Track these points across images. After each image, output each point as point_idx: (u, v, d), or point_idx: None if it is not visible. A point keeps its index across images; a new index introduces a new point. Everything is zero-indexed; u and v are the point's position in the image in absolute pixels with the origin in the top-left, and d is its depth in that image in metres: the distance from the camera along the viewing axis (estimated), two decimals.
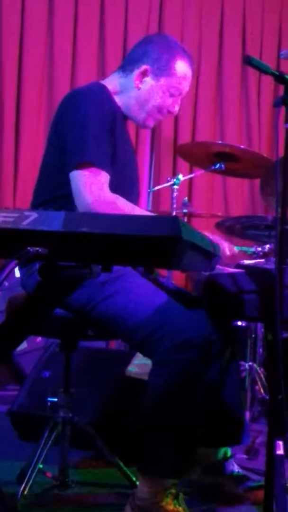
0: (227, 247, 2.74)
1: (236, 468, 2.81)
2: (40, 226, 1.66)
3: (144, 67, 2.72)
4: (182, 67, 2.75)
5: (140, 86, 2.74)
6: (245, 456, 3.32)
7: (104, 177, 2.52)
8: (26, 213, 1.68)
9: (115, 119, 2.65)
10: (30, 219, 1.67)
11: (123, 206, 2.51)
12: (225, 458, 2.78)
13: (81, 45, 5.51)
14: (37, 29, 5.40)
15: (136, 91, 2.74)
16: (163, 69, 2.73)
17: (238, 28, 5.92)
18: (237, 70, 5.90)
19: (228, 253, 2.74)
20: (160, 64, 2.72)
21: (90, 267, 1.79)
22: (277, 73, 2.16)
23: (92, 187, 2.47)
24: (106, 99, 2.68)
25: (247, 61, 2.15)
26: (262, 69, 2.17)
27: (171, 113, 2.84)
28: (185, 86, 2.80)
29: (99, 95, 2.65)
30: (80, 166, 2.50)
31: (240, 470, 2.82)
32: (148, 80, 2.74)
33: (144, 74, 2.73)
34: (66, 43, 5.47)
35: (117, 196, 2.52)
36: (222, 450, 2.79)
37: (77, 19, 5.51)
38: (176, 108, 2.81)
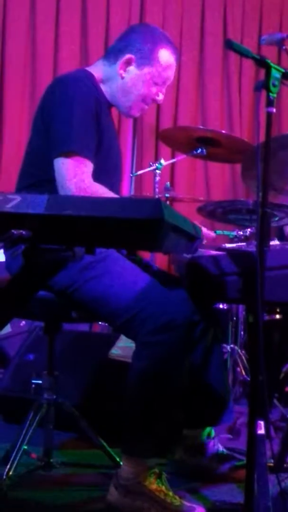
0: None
1: (220, 448, 2.85)
2: (24, 209, 1.68)
3: (127, 56, 2.73)
4: (165, 56, 2.77)
5: (124, 75, 2.75)
6: (228, 435, 3.36)
7: (88, 166, 2.54)
8: (10, 196, 1.70)
9: (100, 107, 2.66)
10: (14, 202, 1.68)
11: (106, 195, 2.53)
12: (209, 438, 2.82)
13: (64, 30, 5.49)
14: (19, 17, 5.37)
15: (121, 80, 2.75)
16: (146, 58, 2.74)
17: (219, 14, 5.92)
18: (219, 55, 5.91)
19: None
20: (143, 53, 2.74)
21: (73, 249, 1.80)
22: (258, 57, 2.17)
23: (76, 176, 2.49)
24: (92, 86, 2.69)
25: (229, 45, 2.16)
26: (243, 53, 2.18)
27: (155, 102, 2.85)
28: (169, 75, 2.81)
29: (85, 83, 2.66)
30: (65, 154, 2.52)
31: (225, 450, 2.86)
32: (132, 69, 2.75)
33: (128, 63, 2.74)
34: (48, 30, 5.45)
35: (100, 185, 2.54)
36: (206, 431, 2.83)
37: (59, 5, 5.49)
38: (160, 97, 2.82)
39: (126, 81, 2.75)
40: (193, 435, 2.80)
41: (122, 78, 2.75)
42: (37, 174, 2.66)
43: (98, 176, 2.56)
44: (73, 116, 2.54)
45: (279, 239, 4.31)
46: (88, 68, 2.83)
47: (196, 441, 2.81)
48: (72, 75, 2.74)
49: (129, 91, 2.76)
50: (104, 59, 2.82)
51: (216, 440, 2.85)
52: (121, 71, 2.75)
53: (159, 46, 2.76)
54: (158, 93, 2.80)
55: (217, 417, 2.80)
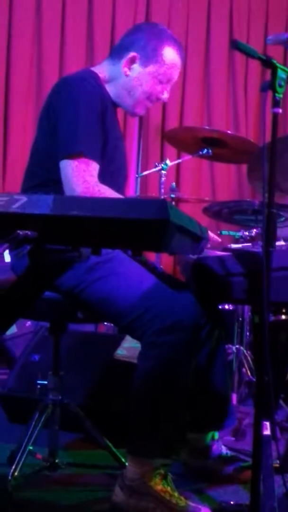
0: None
1: (224, 450, 2.85)
2: (30, 209, 1.68)
3: (132, 54, 2.73)
4: (170, 54, 2.76)
5: (128, 73, 2.74)
6: (232, 438, 3.35)
7: (94, 168, 2.53)
8: (16, 196, 1.70)
9: (105, 107, 2.65)
10: (20, 202, 1.68)
11: (112, 196, 2.52)
12: (213, 441, 2.82)
13: (70, 30, 5.50)
14: (25, 18, 5.38)
15: (125, 78, 2.75)
16: (150, 56, 2.73)
17: (225, 14, 5.92)
18: (224, 55, 5.91)
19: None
20: (147, 51, 2.73)
21: (79, 250, 1.80)
22: (264, 57, 2.17)
23: (82, 178, 2.49)
24: (97, 87, 2.68)
25: (234, 45, 2.16)
26: (249, 53, 2.18)
27: (159, 100, 2.84)
28: (174, 73, 2.80)
29: (90, 83, 2.66)
30: (71, 156, 2.51)
31: (229, 452, 2.86)
32: (136, 67, 2.74)
33: (132, 61, 2.74)
34: (54, 30, 5.45)
35: (107, 187, 2.53)
36: (209, 434, 2.82)
37: (65, 6, 5.49)
38: (165, 95, 2.82)
39: (131, 79, 2.75)
40: (196, 438, 2.80)
41: (127, 76, 2.75)
42: (43, 175, 2.66)
43: (103, 177, 2.56)
44: (78, 117, 2.54)
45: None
46: (93, 68, 2.83)
47: (200, 444, 2.81)
48: (77, 75, 2.74)
49: (134, 89, 2.76)
50: (109, 58, 2.82)
51: (219, 443, 2.84)
52: (125, 69, 2.74)
53: (164, 44, 2.75)
54: (163, 91, 2.80)
55: (220, 421, 2.80)
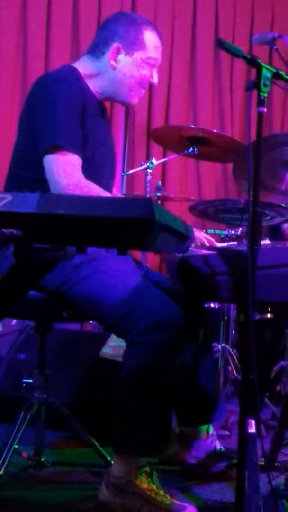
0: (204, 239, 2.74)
1: (218, 445, 2.86)
2: (14, 208, 1.67)
3: (115, 45, 2.70)
4: (150, 37, 2.75)
5: (115, 65, 2.72)
6: (224, 433, 3.37)
7: (76, 160, 2.52)
8: (1, 195, 1.69)
9: (85, 102, 2.63)
10: (5, 201, 1.68)
11: (96, 190, 2.52)
12: (207, 435, 2.83)
13: (55, 26, 5.47)
14: (10, 12, 5.36)
15: (113, 71, 2.72)
16: (133, 43, 2.71)
17: (211, 13, 5.92)
18: (210, 54, 5.91)
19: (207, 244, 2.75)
20: (129, 39, 2.71)
21: (64, 248, 1.80)
22: (248, 57, 2.18)
23: (65, 171, 2.48)
24: (77, 82, 2.66)
25: (220, 44, 2.17)
26: (234, 53, 2.19)
27: (151, 84, 2.84)
28: (158, 55, 2.79)
29: (69, 79, 2.64)
30: (51, 150, 2.50)
31: (222, 447, 2.86)
32: (122, 58, 2.72)
33: (116, 52, 2.71)
34: (40, 25, 5.43)
35: (91, 182, 2.52)
36: (203, 428, 2.84)
37: (51, 2, 5.47)
38: (155, 78, 2.81)
39: (119, 70, 2.72)
40: (190, 431, 2.82)
41: (114, 68, 2.72)
42: (25, 175, 2.63)
43: (85, 176, 2.54)
44: (56, 112, 2.52)
45: (272, 238, 4.33)
46: (74, 64, 2.79)
47: (193, 437, 2.82)
48: (56, 72, 2.72)
49: (124, 78, 2.73)
50: (89, 54, 2.78)
51: (214, 438, 2.85)
52: (112, 62, 2.71)
53: (142, 29, 2.73)
54: (152, 75, 2.78)
55: (208, 415, 2.81)
